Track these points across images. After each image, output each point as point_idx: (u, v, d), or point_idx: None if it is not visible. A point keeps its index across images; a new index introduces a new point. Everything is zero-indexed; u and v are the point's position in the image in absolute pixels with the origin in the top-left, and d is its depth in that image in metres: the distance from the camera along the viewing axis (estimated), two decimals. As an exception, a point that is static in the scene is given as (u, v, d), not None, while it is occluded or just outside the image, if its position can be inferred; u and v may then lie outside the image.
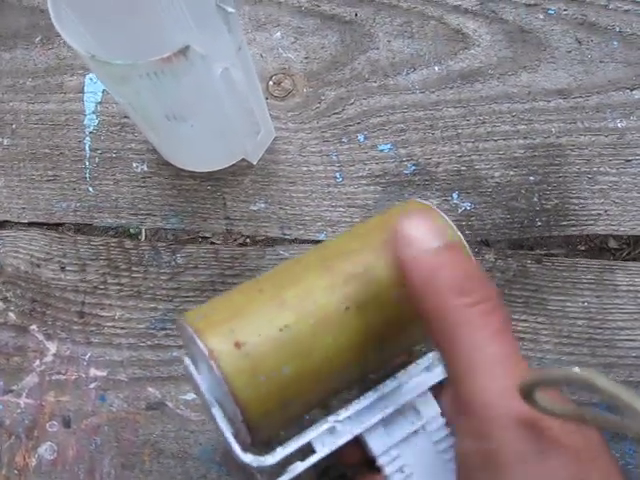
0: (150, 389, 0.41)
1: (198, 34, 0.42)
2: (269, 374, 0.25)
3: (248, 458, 0.27)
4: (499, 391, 0.22)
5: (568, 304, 0.41)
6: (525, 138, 0.44)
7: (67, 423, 0.42)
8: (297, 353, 0.25)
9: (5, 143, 0.46)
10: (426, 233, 0.24)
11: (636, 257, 0.43)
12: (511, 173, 0.43)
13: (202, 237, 0.44)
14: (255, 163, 0.43)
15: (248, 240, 0.43)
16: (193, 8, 0.38)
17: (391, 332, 0.28)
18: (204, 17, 0.34)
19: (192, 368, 0.27)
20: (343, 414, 0.28)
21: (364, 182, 0.44)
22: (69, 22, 0.34)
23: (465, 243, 0.28)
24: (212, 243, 0.44)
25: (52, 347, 0.43)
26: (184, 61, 0.33)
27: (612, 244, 0.43)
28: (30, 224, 0.45)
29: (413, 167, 0.44)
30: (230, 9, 0.33)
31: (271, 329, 0.25)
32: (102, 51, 0.34)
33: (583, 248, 0.43)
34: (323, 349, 0.26)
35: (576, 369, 0.17)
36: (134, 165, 0.45)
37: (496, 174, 0.43)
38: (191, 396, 0.41)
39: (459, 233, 0.29)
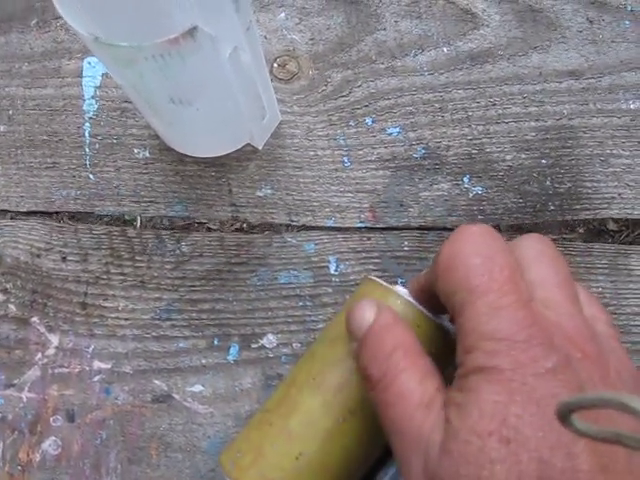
0: (156, 381, 0.40)
1: (200, 13, 0.40)
2: None
3: None
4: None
5: (582, 289, 0.40)
6: (537, 120, 0.43)
7: (71, 417, 0.41)
8: (316, 473, 0.29)
9: (1, 130, 0.45)
10: (351, 325, 0.29)
11: (634, 240, 0.42)
12: (523, 156, 0.43)
13: (206, 224, 0.43)
14: (260, 148, 0.42)
15: (254, 227, 0.42)
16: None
17: None
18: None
19: None
20: None
21: (373, 166, 0.42)
22: (69, 3, 0.33)
23: (414, 306, 0.31)
24: (217, 230, 0.42)
25: (54, 339, 0.42)
26: (191, 42, 0.31)
27: (611, 226, 0.42)
28: (29, 213, 0.44)
29: (423, 151, 0.43)
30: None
31: (290, 461, 0.29)
32: (101, 32, 0.33)
33: (582, 231, 0.42)
34: (336, 461, 0.30)
35: (612, 392, 0.16)
36: (135, 151, 0.44)
37: (508, 157, 0.42)
38: (198, 388, 0.40)
39: (404, 299, 0.31)
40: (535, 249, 0.28)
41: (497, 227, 0.42)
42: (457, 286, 0.25)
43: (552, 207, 0.42)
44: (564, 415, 0.17)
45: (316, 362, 0.32)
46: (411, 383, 0.25)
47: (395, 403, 0.25)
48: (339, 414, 0.30)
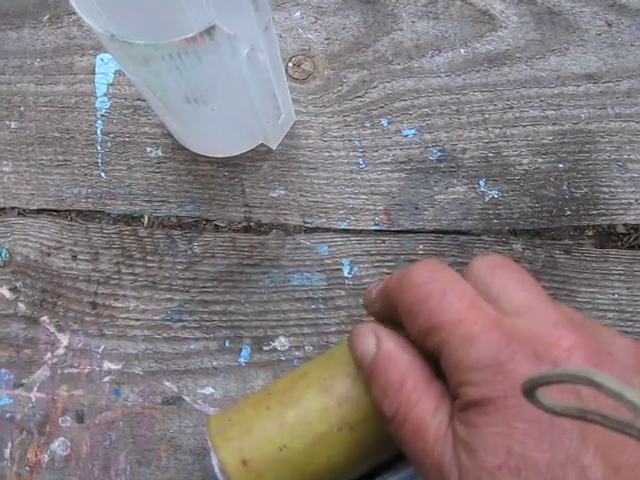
0: (166, 383, 0.40)
1: (217, 12, 0.40)
2: None
3: None
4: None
5: (598, 296, 0.40)
6: (554, 124, 0.43)
7: (80, 418, 0.40)
8: (294, 470, 0.29)
9: (13, 126, 0.44)
10: (354, 354, 0.29)
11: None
12: (540, 160, 0.42)
13: (219, 225, 0.42)
14: (274, 148, 0.42)
15: (267, 228, 0.42)
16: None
17: (383, 448, 0.31)
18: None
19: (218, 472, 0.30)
20: None
21: (388, 168, 0.42)
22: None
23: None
24: (230, 231, 0.42)
25: (64, 339, 0.41)
26: (209, 41, 0.31)
27: (620, 229, 0.42)
28: (39, 211, 0.43)
29: (439, 153, 0.42)
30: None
31: (272, 448, 0.29)
32: (115, 29, 0.32)
33: (591, 234, 0.41)
34: (316, 467, 0.29)
35: (577, 368, 0.16)
36: (148, 150, 0.43)
37: (524, 161, 0.42)
38: (209, 390, 0.40)
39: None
40: (487, 266, 0.27)
41: (512, 231, 0.41)
42: (425, 330, 0.25)
43: (568, 212, 0.41)
44: (530, 391, 0.17)
45: (332, 365, 0.31)
46: (426, 416, 0.25)
47: (412, 441, 0.25)
48: (336, 424, 0.29)
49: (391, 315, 0.29)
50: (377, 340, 0.28)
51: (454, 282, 0.26)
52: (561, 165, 0.42)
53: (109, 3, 0.34)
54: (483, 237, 0.41)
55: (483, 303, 0.25)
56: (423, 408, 0.25)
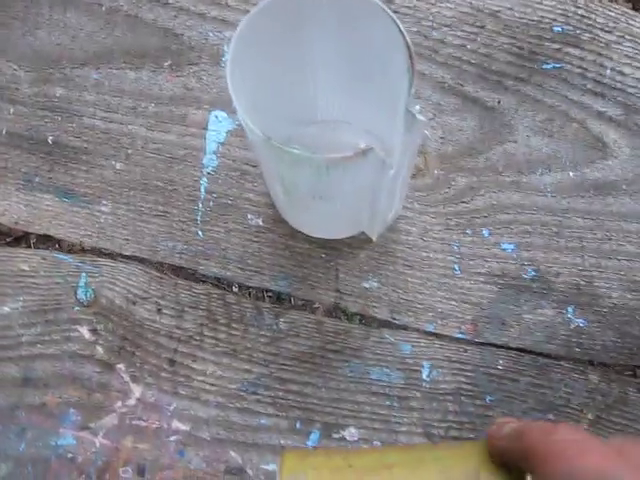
0: (232, 453, 0.40)
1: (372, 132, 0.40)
2: None
3: None
4: None
5: (663, 439, 0.41)
6: (648, 263, 0.43)
7: (141, 472, 0.41)
8: None
9: (118, 167, 0.44)
10: None
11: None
12: (629, 296, 0.43)
13: (308, 305, 0.43)
14: (375, 239, 0.42)
15: (355, 317, 0.42)
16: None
17: None
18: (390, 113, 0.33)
19: None
20: None
21: (482, 279, 0.43)
22: (240, 89, 0.32)
23: None
24: (317, 313, 0.42)
25: (137, 391, 0.41)
26: (362, 160, 0.31)
27: None
28: (131, 257, 0.43)
29: (533, 273, 0.43)
30: (421, 117, 0.31)
31: None
32: (252, 110, 0.33)
33: None
34: None
35: None
36: (249, 217, 0.43)
37: (614, 295, 0.43)
38: (272, 467, 0.40)
39: None
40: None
41: (591, 362, 0.42)
42: None
43: (648, 352, 0.42)
44: None
45: (418, 470, 0.30)
46: None
47: None
48: None
49: (512, 457, 0.29)
50: None
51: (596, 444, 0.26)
52: (649, 305, 0.43)
53: (255, 90, 0.35)
54: (562, 363, 0.42)
55: None
56: None
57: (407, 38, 0.31)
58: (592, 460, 0.25)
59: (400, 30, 0.32)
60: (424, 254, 0.43)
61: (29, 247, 0.44)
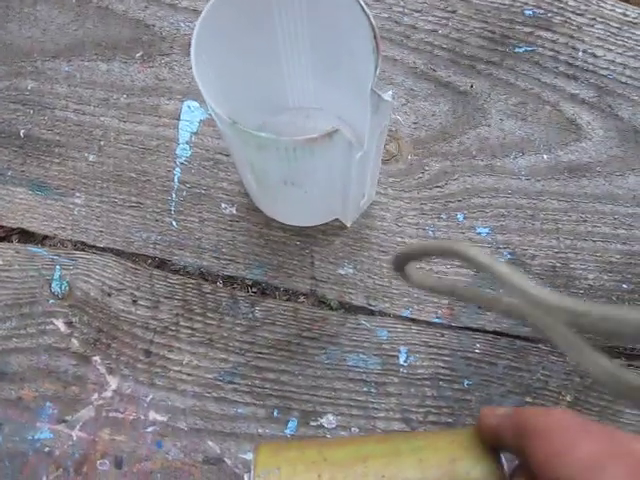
0: (209, 442, 0.40)
1: (339, 112, 0.40)
2: None
3: None
4: None
5: (642, 419, 0.41)
6: (624, 243, 0.43)
7: (119, 464, 0.41)
8: None
9: (90, 159, 0.44)
10: None
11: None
12: (605, 277, 0.43)
13: (283, 293, 0.42)
14: (349, 226, 0.42)
15: (331, 304, 0.42)
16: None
17: None
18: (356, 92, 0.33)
19: None
20: None
21: (457, 263, 0.42)
22: (206, 75, 0.32)
23: None
24: (293, 301, 0.42)
25: (113, 382, 0.41)
26: (328, 142, 0.31)
27: None
28: (105, 249, 0.43)
29: (509, 256, 0.43)
30: (387, 97, 0.31)
31: None
32: (223, 99, 0.33)
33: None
34: None
35: (450, 241, 0.17)
36: (223, 206, 0.43)
37: (590, 276, 0.43)
38: (251, 456, 0.40)
39: None
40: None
41: (568, 344, 0.42)
42: None
43: (626, 333, 0.42)
44: (400, 265, 0.17)
45: (396, 463, 0.31)
46: None
47: None
48: None
49: (502, 440, 0.29)
50: None
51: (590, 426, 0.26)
52: (625, 285, 0.43)
53: (223, 77, 0.34)
54: (540, 345, 0.42)
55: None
56: None
57: (371, 18, 0.31)
58: (587, 439, 0.25)
59: (364, 10, 0.32)
60: (399, 239, 0.43)
61: (2, 240, 0.43)
